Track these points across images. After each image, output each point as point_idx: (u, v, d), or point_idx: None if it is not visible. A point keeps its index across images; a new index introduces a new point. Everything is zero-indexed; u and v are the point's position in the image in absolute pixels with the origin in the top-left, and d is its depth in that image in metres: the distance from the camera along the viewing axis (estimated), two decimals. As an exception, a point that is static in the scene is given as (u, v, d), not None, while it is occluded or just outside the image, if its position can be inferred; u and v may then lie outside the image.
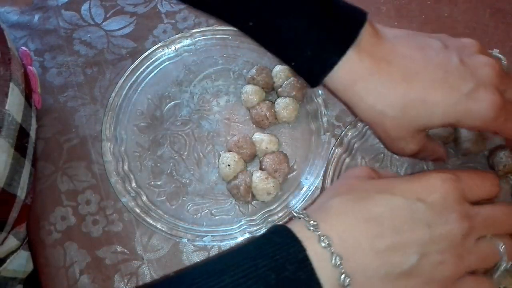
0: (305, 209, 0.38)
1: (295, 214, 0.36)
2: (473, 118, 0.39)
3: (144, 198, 0.53)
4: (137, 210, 0.51)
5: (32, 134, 0.53)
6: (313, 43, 0.39)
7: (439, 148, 0.48)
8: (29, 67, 0.55)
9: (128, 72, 0.58)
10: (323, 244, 0.33)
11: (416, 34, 0.43)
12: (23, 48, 0.57)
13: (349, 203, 0.35)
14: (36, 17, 0.64)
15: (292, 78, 0.56)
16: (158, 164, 0.55)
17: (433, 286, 0.35)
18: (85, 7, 0.64)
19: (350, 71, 0.39)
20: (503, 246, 0.36)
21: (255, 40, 0.43)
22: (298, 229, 0.34)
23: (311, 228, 0.34)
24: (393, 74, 0.39)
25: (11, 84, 0.48)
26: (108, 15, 0.64)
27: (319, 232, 0.33)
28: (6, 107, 0.46)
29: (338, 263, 0.33)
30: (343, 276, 0.33)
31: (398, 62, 0.39)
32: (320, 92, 0.56)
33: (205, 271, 0.34)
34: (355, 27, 0.40)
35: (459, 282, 0.36)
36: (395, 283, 0.34)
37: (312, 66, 0.40)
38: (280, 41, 0.41)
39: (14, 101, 0.48)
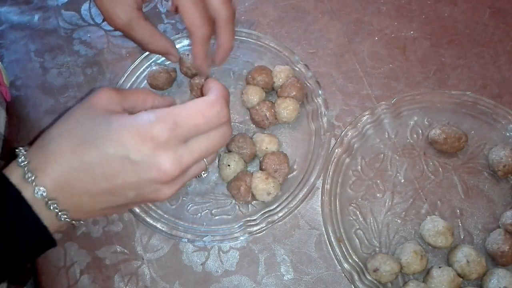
0: (34, 141, 0.40)
1: (17, 154, 0.38)
2: None
3: (144, 198, 0.53)
4: (137, 210, 0.51)
5: None
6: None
7: (157, 35, 0.48)
8: None
9: (128, 72, 0.58)
10: (38, 196, 0.37)
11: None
12: None
13: (67, 149, 0.37)
14: (36, 17, 0.64)
15: (292, 78, 0.56)
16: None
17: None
18: (85, 7, 0.64)
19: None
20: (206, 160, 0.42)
21: None
22: (17, 177, 0.37)
23: (29, 179, 0.37)
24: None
25: None
26: (108, 15, 0.64)
27: (34, 183, 0.37)
28: None
29: (53, 206, 0.37)
30: (59, 213, 0.38)
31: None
32: (320, 92, 0.56)
33: None
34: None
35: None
36: (114, 208, 0.40)
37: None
38: None
39: None
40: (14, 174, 0.38)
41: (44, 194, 0.37)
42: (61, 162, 0.37)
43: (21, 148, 0.39)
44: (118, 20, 0.47)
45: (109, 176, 0.37)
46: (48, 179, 0.37)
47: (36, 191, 0.37)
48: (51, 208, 0.37)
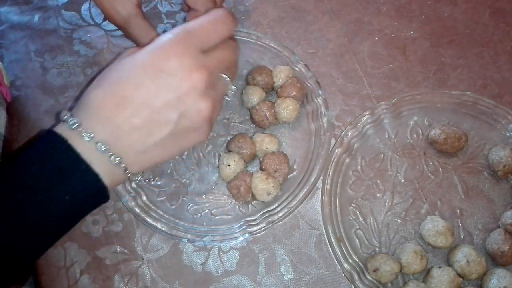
0: (72, 108, 0.42)
1: (60, 116, 0.40)
2: None
3: (144, 198, 0.53)
4: (137, 210, 0.51)
5: None
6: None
7: (153, 34, 0.50)
8: None
9: (128, 72, 0.58)
10: (86, 139, 0.38)
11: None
12: None
13: (105, 94, 0.39)
14: (36, 17, 0.64)
15: (292, 78, 0.56)
16: (158, 164, 0.55)
17: (201, 128, 0.42)
18: (85, 7, 0.64)
19: None
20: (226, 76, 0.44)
21: None
22: (63, 130, 0.39)
23: (74, 127, 0.38)
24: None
25: None
26: (108, 15, 0.64)
27: (81, 129, 0.38)
28: None
29: (104, 149, 0.38)
30: (112, 157, 0.39)
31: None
32: (320, 92, 0.56)
33: None
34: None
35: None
36: (166, 143, 0.40)
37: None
38: None
39: None
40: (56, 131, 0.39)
41: (93, 135, 0.38)
42: (101, 106, 0.39)
43: (64, 113, 0.40)
44: (117, 16, 0.48)
45: (147, 100, 0.38)
46: (94, 124, 0.39)
47: (83, 135, 0.38)
48: (101, 149, 0.38)
